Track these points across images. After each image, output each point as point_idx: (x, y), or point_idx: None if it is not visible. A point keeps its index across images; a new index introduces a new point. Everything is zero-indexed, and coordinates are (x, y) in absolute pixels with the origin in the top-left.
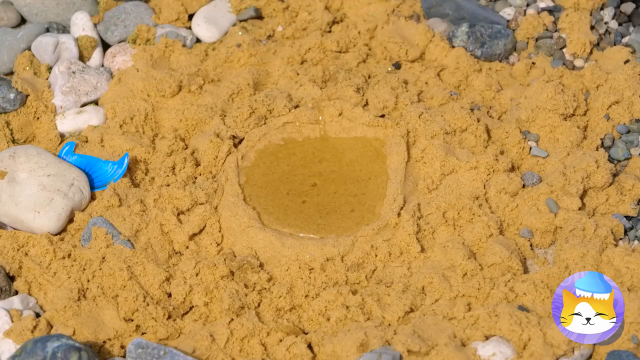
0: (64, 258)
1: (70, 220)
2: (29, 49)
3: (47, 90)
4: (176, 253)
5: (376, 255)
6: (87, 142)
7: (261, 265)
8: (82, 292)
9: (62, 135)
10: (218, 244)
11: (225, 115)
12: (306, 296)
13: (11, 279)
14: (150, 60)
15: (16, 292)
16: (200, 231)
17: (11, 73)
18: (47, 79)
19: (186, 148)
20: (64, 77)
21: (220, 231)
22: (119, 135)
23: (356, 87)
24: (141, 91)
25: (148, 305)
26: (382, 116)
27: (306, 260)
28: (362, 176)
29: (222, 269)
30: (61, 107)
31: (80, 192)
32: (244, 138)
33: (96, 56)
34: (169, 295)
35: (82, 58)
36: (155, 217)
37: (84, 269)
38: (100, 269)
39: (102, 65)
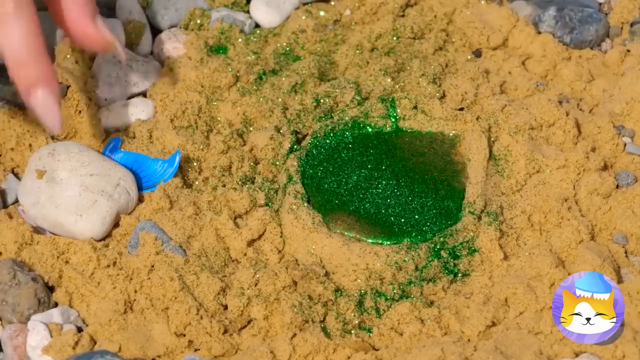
0: (108, 266)
1: (116, 224)
2: None
3: (90, 81)
4: (233, 261)
5: (454, 264)
6: (134, 138)
7: (327, 274)
8: (129, 304)
9: (106, 131)
10: (279, 251)
11: (287, 109)
12: (376, 309)
13: (50, 289)
14: (204, 47)
15: (56, 304)
16: (260, 237)
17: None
18: (90, 68)
19: (244, 145)
20: (109, 67)
21: (281, 237)
22: (169, 131)
23: (432, 77)
24: (194, 82)
25: (202, 318)
26: (461, 109)
27: (377, 268)
28: (438, 176)
29: (283, 279)
30: (106, 100)
31: (126, 194)
32: (307, 134)
33: (145, 43)
34: (225, 307)
35: (129, 45)
36: (209, 221)
37: (131, 279)
38: (149, 278)
39: (151, 53)
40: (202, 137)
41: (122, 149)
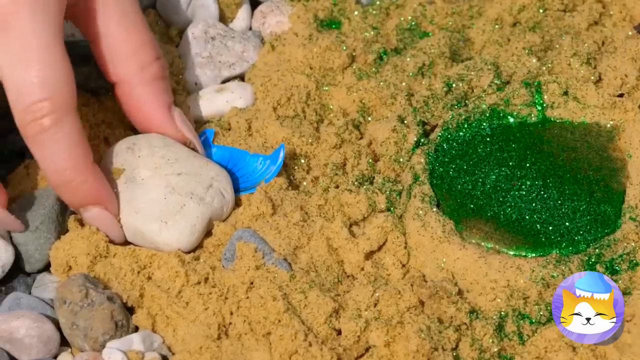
0: (199, 283)
1: (208, 233)
2: (152, 6)
3: (177, 62)
4: (348, 277)
5: (616, 280)
6: (229, 129)
7: (460, 293)
8: (224, 328)
9: (196, 122)
10: (403, 265)
11: (412, 95)
12: (519, 334)
13: (130, 310)
14: (314, 21)
15: (136, 329)
16: (380, 248)
17: None
18: (177, 46)
19: (361, 138)
20: (199, 45)
21: (405, 248)
22: (272, 121)
23: (586, 57)
24: (301, 62)
25: (311, 345)
26: (621, 95)
27: (520, 286)
28: (592, 174)
29: (408, 298)
30: (196, 84)
31: (220, 196)
32: (437, 125)
33: (242, 16)
34: (339, 332)
35: (223, 19)
36: (320, 230)
37: (226, 298)
38: (247, 297)
39: (250, 29)
40: (311, 128)
41: (215, 143)
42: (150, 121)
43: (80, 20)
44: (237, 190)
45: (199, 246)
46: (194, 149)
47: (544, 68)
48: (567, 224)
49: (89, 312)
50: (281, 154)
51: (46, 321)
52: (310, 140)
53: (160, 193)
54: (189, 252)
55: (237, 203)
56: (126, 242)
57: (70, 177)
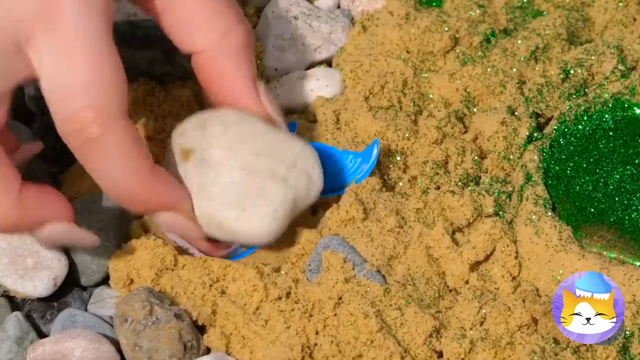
0: (280, 298)
1: (291, 242)
2: None
3: (255, 44)
4: (450, 291)
5: None
6: (315, 122)
7: None
8: (308, 349)
9: None
10: (513, 278)
11: (524, 83)
12: None
13: (200, 329)
14: None
15: (208, 350)
16: (487, 258)
17: None
18: (254, 27)
19: (465, 132)
20: (280, 25)
21: (516, 258)
22: (364, 113)
23: None
24: (397, 46)
25: None
26: None
27: None
28: None
29: (519, 315)
30: (276, 70)
31: (306, 176)
32: (552, 117)
33: None
34: (440, 354)
35: None
36: (418, 237)
37: (311, 315)
38: (335, 314)
39: (339, 7)
40: (408, 121)
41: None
42: (232, 95)
43: None
44: (324, 191)
45: (279, 255)
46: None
47: None
48: None
49: (153, 332)
50: (375, 151)
51: (104, 342)
52: (407, 135)
53: (236, 175)
54: (266, 264)
55: (324, 207)
56: (209, 239)
57: (129, 189)
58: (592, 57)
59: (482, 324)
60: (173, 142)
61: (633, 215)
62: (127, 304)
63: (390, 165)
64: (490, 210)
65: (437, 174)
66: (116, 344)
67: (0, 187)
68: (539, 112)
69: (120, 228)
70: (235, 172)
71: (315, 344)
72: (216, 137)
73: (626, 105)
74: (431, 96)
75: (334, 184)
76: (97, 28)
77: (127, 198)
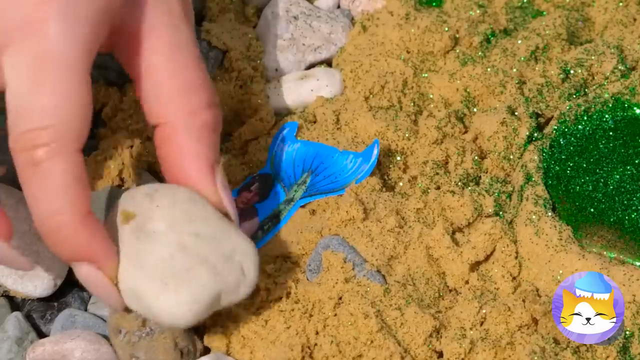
0: (280, 299)
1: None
2: None
3: (255, 45)
4: (450, 291)
5: None
6: (315, 122)
7: None
8: (308, 350)
9: (277, 113)
10: (514, 278)
11: (524, 83)
12: None
13: (198, 332)
14: None
15: (207, 350)
16: (487, 258)
17: (201, 19)
18: (254, 27)
19: (465, 132)
20: (280, 25)
21: (516, 258)
22: (363, 113)
23: None
24: (397, 46)
25: None
26: None
27: None
28: None
29: (520, 315)
30: (276, 70)
31: (239, 272)
32: (552, 117)
33: None
34: (440, 354)
35: None
36: (418, 237)
37: (311, 315)
38: (336, 315)
39: (339, 7)
40: (408, 121)
41: (299, 138)
42: (186, 176)
43: (122, 51)
44: (324, 191)
45: (278, 255)
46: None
47: None
48: None
49: (148, 343)
50: (375, 151)
51: (104, 343)
52: (407, 135)
53: (169, 250)
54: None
55: (324, 207)
56: (127, 310)
57: (59, 224)
58: (592, 57)
59: (482, 324)
60: (120, 203)
61: (633, 215)
62: (120, 316)
63: (390, 165)
64: (490, 210)
65: (437, 174)
66: None
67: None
68: (539, 112)
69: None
70: (169, 248)
71: (315, 344)
72: (161, 209)
73: (626, 105)
74: (431, 96)
75: (334, 184)
76: (78, 55)
77: (54, 233)
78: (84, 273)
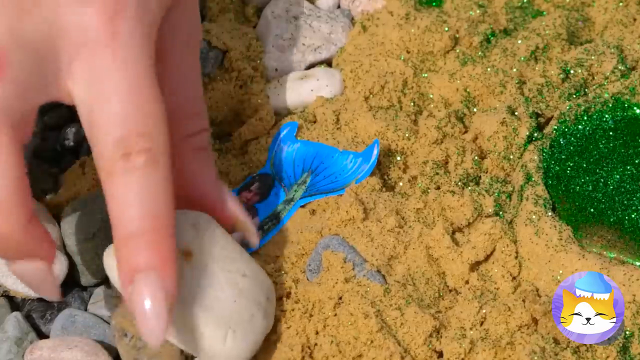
0: (280, 299)
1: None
2: None
3: (254, 45)
4: (450, 291)
5: None
6: (315, 122)
7: None
8: (308, 349)
9: (277, 113)
10: (514, 278)
11: (524, 83)
12: None
13: None
14: None
15: None
16: (487, 258)
17: (201, 19)
18: (254, 27)
19: (465, 132)
20: (280, 25)
21: (516, 258)
22: (363, 113)
23: None
24: (397, 46)
25: None
26: None
27: None
28: None
29: (520, 315)
30: (276, 70)
31: (271, 313)
32: (552, 117)
33: None
34: (440, 354)
35: None
36: (418, 237)
37: (311, 315)
38: (335, 314)
39: (339, 7)
40: (408, 121)
41: (299, 138)
42: (195, 190)
43: None
44: (324, 191)
45: (278, 256)
46: (241, 240)
47: None
48: None
49: (154, 350)
50: (375, 151)
51: (102, 353)
52: (407, 135)
53: (231, 295)
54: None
55: (324, 207)
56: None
57: (152, 227)
58: (592, 57)
59: (482, 324)
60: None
61: (633, 215)
62: (125, 318)
63: (390, 165)
64: (490, 210)
65: (437, 174)
66: (115, 351)
67: (18, 208)
68: (539, 112)
69: None
70: (229, 291)
71: (315, 344)
72: (207, 244)
73: (626, 105)
74: (431, 96)
75: (334, 184)
76: (148, 54)
77: (137, 237)
78: (149, 282)
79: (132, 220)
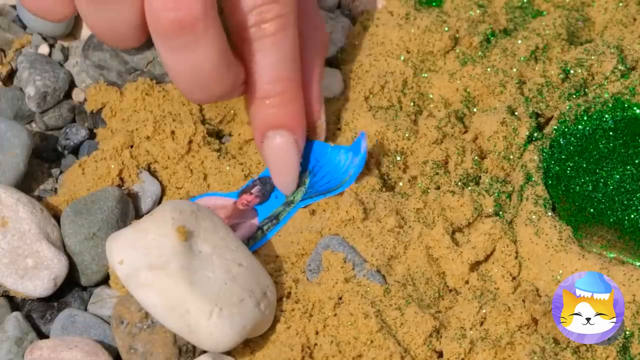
0: (280, 299)
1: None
2: None
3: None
4: (450, 291)
5: None
6: None
7: None
8: (308, 349)
9: None
10: (513, 278)
11: (524, 83)
12: None
13: None
14: None
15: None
16: (487, 258)
17: None
18: None
19: (465, 132)
20: None
21: (516, 258)
22: (363, 112)
23: None
24: (397, 45)
25: None
26: None
27: None
28: None
29: (519, 315)
30: None
31: (269, 310)
32: (552, 117)
33: None
34: (440, 354)
35: None
36: (418, 237)
37: (311, 315)
38: (335, 315)
39: (338, 7)
40: (408, 121)
41: None
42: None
43: None
44: (324, 192)
45: (279, 255)
46: (308, 137)
47: None
48: None
49: (148, 335)
50: (363, 144)
51: (102, 353)
52: (407, 135)
53: (223, 277)
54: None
55: (324, 207)
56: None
57: (284, 88)
58: (592, 57)
59: (482, 324)
60: (164, 212)
61: (633, 216)
62: (123, 306)
63: (390, 165)
64: (490, 210)
65: (437, 174)
66: (115, 352)
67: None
68: (539, 112)
69: (120, 228)
70: (223, 275)
71: (315, 344)
72: (206, 231)
73: (626, 105)
74: (431, 96)
75: (332, 183)
76: None
77: (274, 98)
78: (280, 144)
79: (267, 83)
